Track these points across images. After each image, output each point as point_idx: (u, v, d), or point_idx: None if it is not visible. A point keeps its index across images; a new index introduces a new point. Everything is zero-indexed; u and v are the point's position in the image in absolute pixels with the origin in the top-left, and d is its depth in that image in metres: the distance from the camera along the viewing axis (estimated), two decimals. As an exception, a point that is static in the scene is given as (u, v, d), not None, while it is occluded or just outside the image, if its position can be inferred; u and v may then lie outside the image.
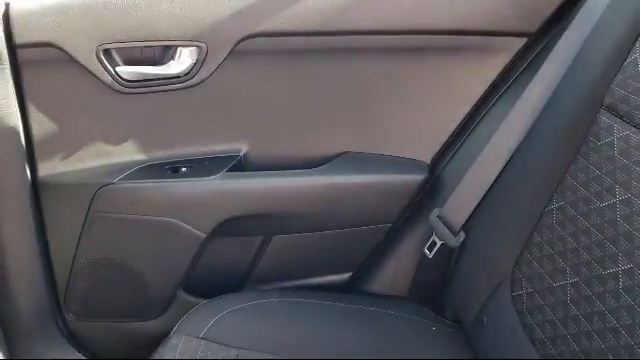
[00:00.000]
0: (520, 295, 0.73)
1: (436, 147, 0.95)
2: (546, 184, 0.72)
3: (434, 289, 0.93)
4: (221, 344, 0.80)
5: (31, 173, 0.86)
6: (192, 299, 0.97)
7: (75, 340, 1.00)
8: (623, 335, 0.58)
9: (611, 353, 0.59)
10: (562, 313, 0.66)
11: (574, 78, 0.75)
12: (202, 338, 0.80)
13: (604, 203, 0.64)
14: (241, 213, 0.90)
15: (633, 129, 0.63)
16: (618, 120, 0.66)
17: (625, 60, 0.66)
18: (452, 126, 0.93)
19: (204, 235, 0.90)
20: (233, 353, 0.79)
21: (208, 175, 0.89)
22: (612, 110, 0.67)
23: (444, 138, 0.94)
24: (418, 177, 0.93)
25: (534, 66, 0.84)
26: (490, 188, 0.83)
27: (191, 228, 0.89)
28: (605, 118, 0.67)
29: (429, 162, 0.96)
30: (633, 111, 0.64)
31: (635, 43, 0.65)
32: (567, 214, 0.69)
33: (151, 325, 0.98)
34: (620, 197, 0.62)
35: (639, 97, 0.63)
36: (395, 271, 0.99)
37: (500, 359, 0.75)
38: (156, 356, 0.78)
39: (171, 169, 0.90)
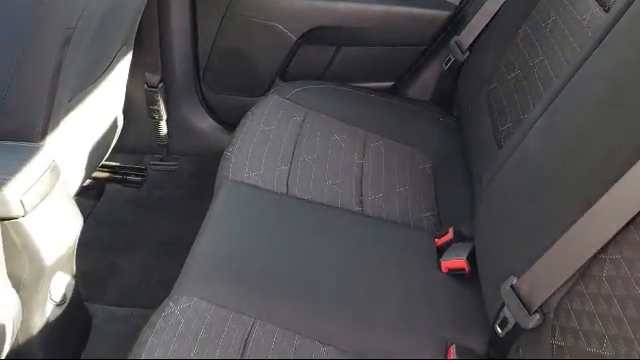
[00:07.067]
0: (490, 89, 1.10)
1: (463, -8, 1.30)
2: (521, 16, 1.07)
3: (447, 95, 1.32)
4: (297, 104, 1.25)
5: (191, -18, 1.31)
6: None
7: (208, 107, 1.48)
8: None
9: (520, 106, 0.96)
10: (510, 99, 1.02)
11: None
12: (287, 99, 1.25)
13: (545, 22, 0.99)
14: (322, 24, 1.31)
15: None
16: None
17: None
18: None
19: (295, 38, 1.33)
20: (304, 111, 1.24)
21: None
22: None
23: None
24: (447, 13, 1.30)
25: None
26: (489, 22, 1.18)
27: (287, 31, 1.32)
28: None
29: (457, 3, 1.31)
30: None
31: None
32: (526, 33, 1.04)
33: (258, 100, 1.44)
34: (552, 19, 0.97)
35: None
36: (423, 81, 1.38)
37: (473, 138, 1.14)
38: (255, 107, 1.24)
39: (279, -11, 1.31)
